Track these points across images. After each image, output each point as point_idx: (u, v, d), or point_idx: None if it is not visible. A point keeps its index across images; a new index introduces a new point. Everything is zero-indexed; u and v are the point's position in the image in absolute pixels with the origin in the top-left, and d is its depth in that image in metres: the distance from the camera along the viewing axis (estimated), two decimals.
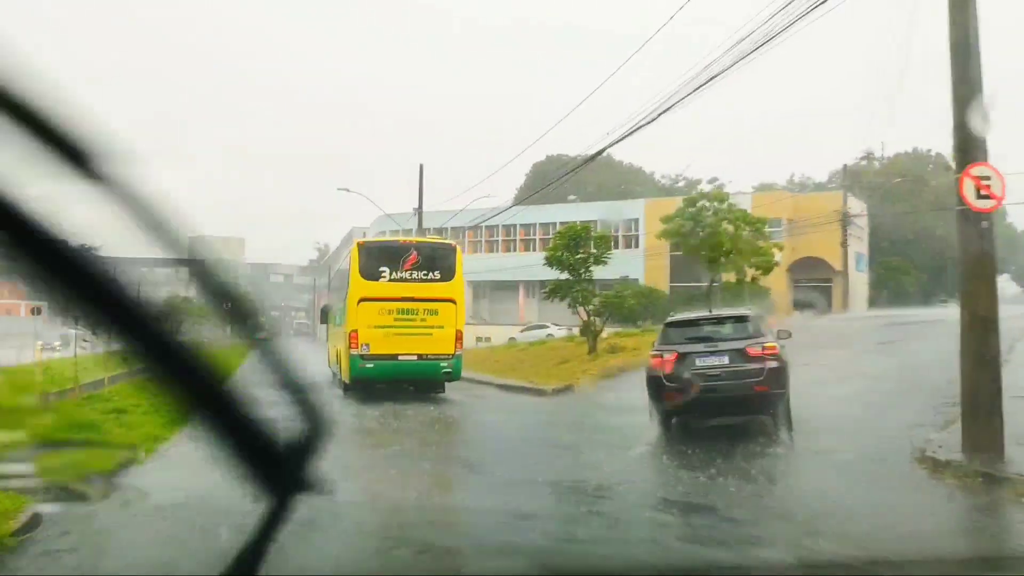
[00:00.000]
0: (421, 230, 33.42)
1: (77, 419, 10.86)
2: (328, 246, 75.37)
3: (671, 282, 44.01)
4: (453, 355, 16.30)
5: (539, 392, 18.05)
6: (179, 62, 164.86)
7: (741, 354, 10.07)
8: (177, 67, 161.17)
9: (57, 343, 31.71)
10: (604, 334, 23.96)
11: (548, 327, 41.97)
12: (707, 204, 28.72)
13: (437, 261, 16.70)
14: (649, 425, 11.39)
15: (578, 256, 23.02)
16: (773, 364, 9.96)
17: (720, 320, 11.08)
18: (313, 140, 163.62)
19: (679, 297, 41.60)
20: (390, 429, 12.67)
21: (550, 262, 23.44)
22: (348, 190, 33.73)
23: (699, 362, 10.12)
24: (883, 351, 18.70)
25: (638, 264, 42.14)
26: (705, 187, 51.08)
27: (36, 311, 30.36)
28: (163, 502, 7.24)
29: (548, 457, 9.35)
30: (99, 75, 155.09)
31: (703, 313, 11.78)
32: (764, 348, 10.13)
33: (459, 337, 16.51)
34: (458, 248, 17.83)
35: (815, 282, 41.67)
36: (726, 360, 10.08)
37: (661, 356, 10.33)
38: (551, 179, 48.95)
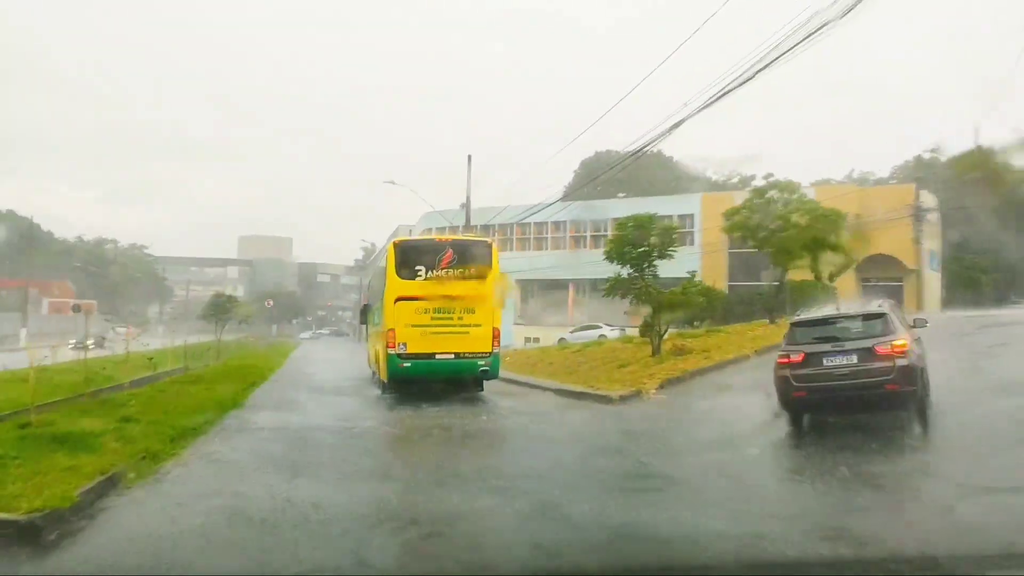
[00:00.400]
0: (468, 226, 31.40)
1: (56, 432, 8.97)
2: (375, 245, 74.11)
3: (729, 281, 41.50)
4: (491, 353, 15.96)
5: (604, 399, 15.80)
6: (230, 63, 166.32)
7: (870, 353, 9.78)
8: (229, 68, 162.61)
9: (90, 342, 30.45)
10: (663, 335, 21.64)
11: (600, 327, 39.85)
12: (776, 195, 26.24)
13: (473, 259, 16.28)
14: (744, 439, 10.20)
15: (641, 249, 20.73)
16: (904, 362, 9.65)
17: (848, 318, 10.57)
18: (362, 140, 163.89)
19: (737, 297, 39.09)
20: (436, 445, 10.58)
21: (610, 256, 21.17)
22: (393, 183, 31.82)
23: (826, 362, 9.94)
24: (1010, 356, 16.14)
25: (694, 262, 39.57)
26: (760, 183, 48.37)
27: (76, 308, 29.18)
28: (127, 562, 5.23)
29: (648, 494, 7.00)
30: (158, 76, 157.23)
31: (831, 312, 11.03)
32: (894, 347, 9.76)
33: (496, 335, 16.08)
34: (494, 245, 17.20)
35: (885, 281, 38.72)
36: (855, 359, 9.82)
37: (788, 356, 10.20)
38: (600, 174, 46.80)
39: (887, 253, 37.77)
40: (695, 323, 30.24)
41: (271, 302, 54.42)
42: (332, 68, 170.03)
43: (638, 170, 51.72)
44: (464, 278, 15.97)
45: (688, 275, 22.09)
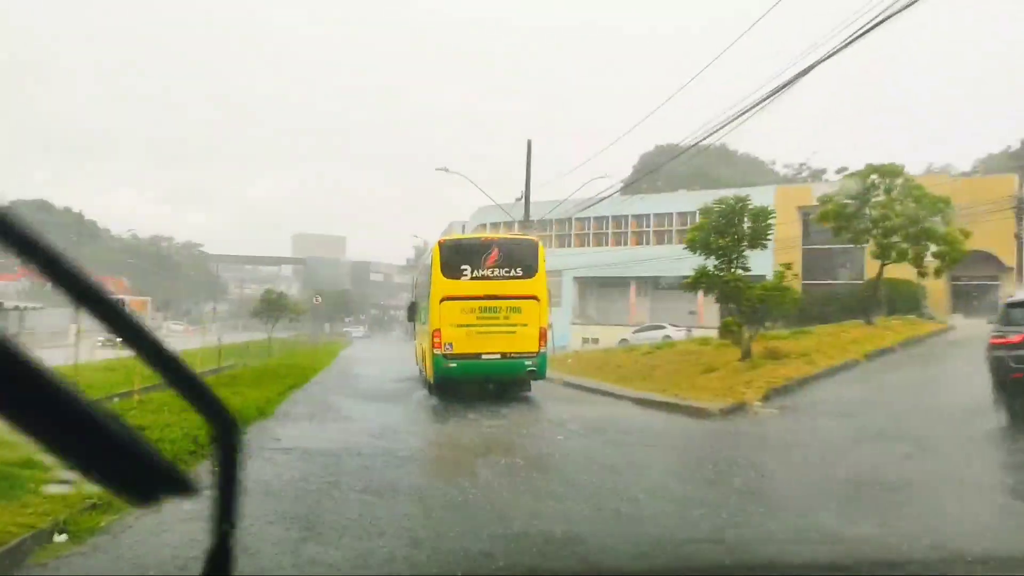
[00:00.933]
0: (527, 219, 28.56)
1: None
2: (426, 243, 71.80)
3: (803, 280, 37.96)
4: (538, 353, 15.30)
5: (700, 413, 12.80)
6: (280, 64, 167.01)
7: None
8: (279, 69, 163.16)
9: (119, 339, 28.03)
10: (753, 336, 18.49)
11: (665, 328, 36.85)
12: (876, 180, 22.83)
13: (519, 257, 15.65)
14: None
15: (729, 238, 17.69)
16: None
17: None
18: (419, 140, 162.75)
19: (812, 296, 35.51)
20: (504, 482, 7.73)
21: (692, 246, 18.17)
22: (447, 170, 29.18)
23: None
24: None
25: (764, 260, 36.17)
26: (833, 176, 44.66)
27: (121, 303, 26.89)
28: None
29: None
30: (224, 88, 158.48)
31: None
32: None
33: (543, 335, 15.48)
34: (540, 244, 16.48)
35: (979, 280, 34.92)
36: None
37: (1004, 337, 9.67)
38: (661, 168, 43.51)
39: (982, 249, 33.91)
40: (767, 323, 27.05)
41: (319, 298, 52.34)
42: (380, 66, 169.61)
43: (701, 165, 48.37)
44: (510, 277, 15.38)
45: (782, 268, 18.83)
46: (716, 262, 17.87)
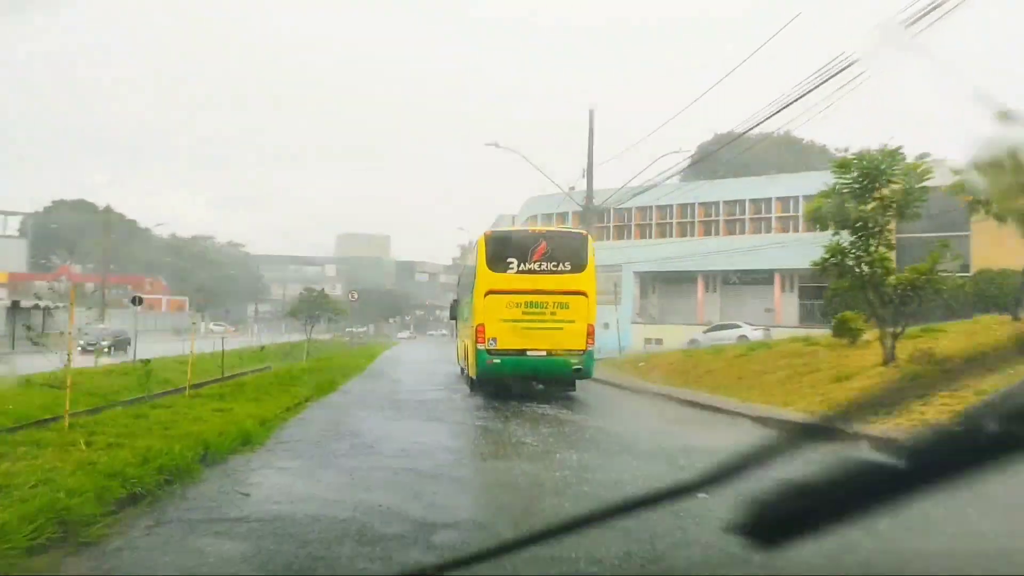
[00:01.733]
0: (590, 201, 24.35)
1: None
2: (472, 241, 68.06)
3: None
4: (584, 351, 14.55)
5: (882, 446, 8.45)
6: (334, 72, 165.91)
7: None
8: (318, 72, 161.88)
9: (105, 343, 24.25)
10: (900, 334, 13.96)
11: (740, 327, 32.33)
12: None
13: (567, 251, 15.01)
14: None
15: (872, 204, 13.30)
16: None
17: None
18: (465, 139, 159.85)
19: None
20: None
21: (820, 216, 13.82)
22: (497, 145, 25.16)
23: None
24: None
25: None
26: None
27: (138, 301, 23.42)
28: None
29: None
30: (272, 91, 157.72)
31: None
32: None
33: (590, 332, 14.65)
34: (590, 237, 15.81)
35: None
36: None
37: None
38: (720, 156, 38.93)
39: None
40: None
41: (355, 295, 48.74)
42: (424, 63, 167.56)
43: (764, 154, 43.60)
44: (558, 272, 14.68)
45: (939, 246, 14.25)
46: (852, 238, 13.48)
